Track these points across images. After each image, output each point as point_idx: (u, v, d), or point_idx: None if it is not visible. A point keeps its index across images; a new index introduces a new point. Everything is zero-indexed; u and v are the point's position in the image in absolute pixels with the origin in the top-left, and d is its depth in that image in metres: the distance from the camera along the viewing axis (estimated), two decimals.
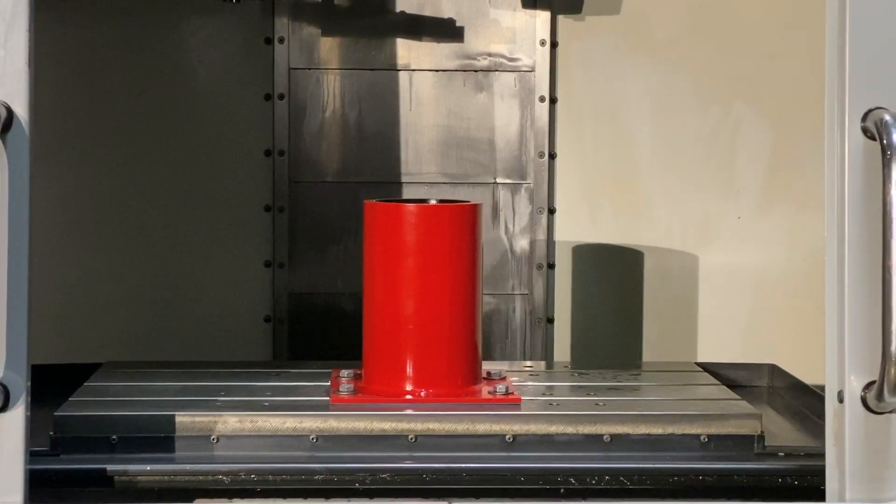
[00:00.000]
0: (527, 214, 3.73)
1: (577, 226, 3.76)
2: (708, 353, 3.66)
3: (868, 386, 2.42)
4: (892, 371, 2.35)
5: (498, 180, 3.74)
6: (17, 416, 2.37)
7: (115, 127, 3.68)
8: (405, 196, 3.68)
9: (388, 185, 3.70)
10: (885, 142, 2.36)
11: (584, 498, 2.62)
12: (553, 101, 3.73)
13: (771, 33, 3.70)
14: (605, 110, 3.74)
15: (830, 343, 2.45)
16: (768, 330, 3.75)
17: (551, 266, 3.75)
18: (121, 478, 2.58)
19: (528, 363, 3.50)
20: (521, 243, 3.74)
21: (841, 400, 2.44)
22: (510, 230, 3.73)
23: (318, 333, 3.69)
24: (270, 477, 2.61)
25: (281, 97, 3.69)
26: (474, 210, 2.94)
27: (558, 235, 3.75)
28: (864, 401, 2.43)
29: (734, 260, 3.75)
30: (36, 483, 2.40)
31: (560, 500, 2.62)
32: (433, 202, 3.06)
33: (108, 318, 3.69)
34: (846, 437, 2.43)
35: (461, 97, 3.72)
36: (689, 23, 3.72)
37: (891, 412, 2.42)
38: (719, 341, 3.74)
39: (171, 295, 3.70)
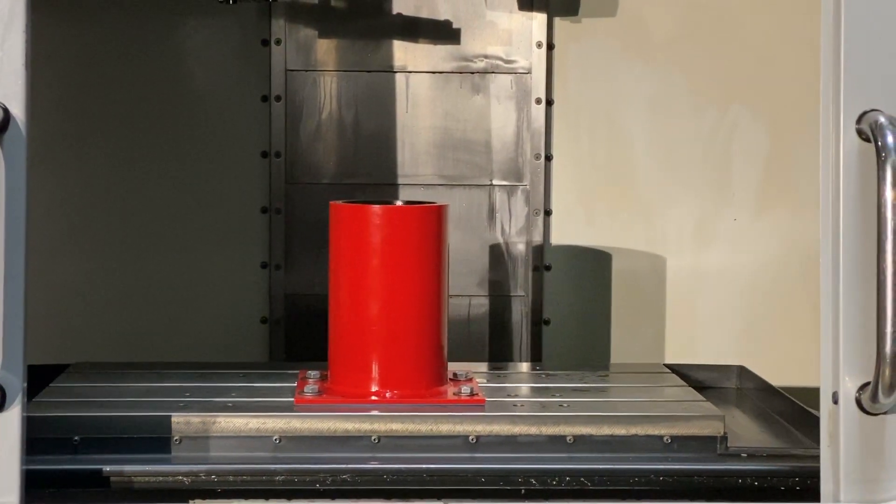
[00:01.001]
0: (523, 216, 3.74)
1: (573, 227, 3.76)
2: (703, 354, 3.67)
3: (863, 387, 2.43)
4: (887, 372, 2.36)
5: (494, 182, 3.74)
6: (13, 416, 2.37)
7: (111, 128, 3.69)
8: (402, 198, 3.68)
9: (385, 187, 3.70)
10: (879, 144, 2.37)
11: (546, 499, 2.62)
12: (549, 102, 3.74)
13: (767, 36, 3.71)
14: (601, 112, 3.75)
15: (825, 344, 2.46)
16: (764, 331, 3.76)
17: (548, 268, 3.76)
18: (82, 478, 2.58)
19: (501, 364, 3.50)
20: (518, 245, 3.74)
21: (836, 401, 2.45)
22: (506, 232, 3.74)
23: (314, 334, 3.69)
24: (231, 478, 2.61)
25: (277, 99, 3.70)
26: (440, 211, 2.94)
27: (554, 237, 3.76)
28: (858, 402, 2.43)
29: (730, 261, 3.76)
30: None
31: (521, 501, 2.62)
32: (399, 203, 3.05)
33: (104, 319, 3.69)
34: (841, 438, 2.44)
35: (458, 99, 3.73)
36: (685, 25, 3.73)
37: (885, 413, 2.43)
38: (715, 342, 3.74)
39: (167, 296, 3.70)
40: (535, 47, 3.72)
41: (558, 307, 3.75)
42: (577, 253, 3.76)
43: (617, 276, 3.76)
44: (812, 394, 3.07)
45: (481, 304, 3.73)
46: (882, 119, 2.38)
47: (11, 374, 2.37)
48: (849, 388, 2.43)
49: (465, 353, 3.67)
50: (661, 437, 2.73)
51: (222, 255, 3.72)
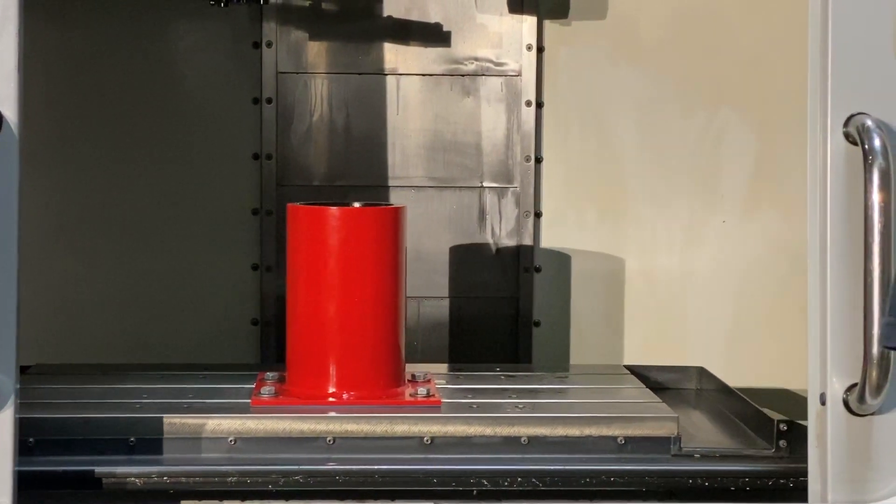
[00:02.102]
0: (513, 218, 3.75)
1: (563, 229, 3.78)
2: (691, 355, 3.68)
3: (850, 388, 2.45)
4: (874, 373, 2.38)
5: (484, 184, 3.75)
6: (5, 417, 2.38)
7: (103, 130, 3.69)
8: (392, 200, 3.69)
9: (375, 189, 3.71)
10: (866, 146, 2.39)
11: (498, 499, 2.63)
12: (539, 105, 3.75)
13: (755, 39, 3.72)
14: (590, 115, 3.77)
15: (813, 346, 2.47)
16: (752, 333, 3.77)
17: (537, 269, 3.77)
18: (35, 480, 2.57)
19: (463, 365, 3.50)
20: (508, 246, 3.75)
21: (823, 402, 2.46)
22: (496, 234, 3.75)
23: None
24: (184, 479, 2.61)
25: (269, 101, 3.71)
26: (396, 213, 2.94)
27: (544, 239, 3.77)
28: (846, 403, 2.45)
29: (718, 263, 3.77)
30: None
31: (473, 502, 2.63)
32: (357, 205, 3.05)
33: (95, 320, 3.69)
34: (828, 438, 2.45)
35: (448, 101, 3.74)
36: (674, 29, 3.74)
37: (872, 414, 2.45)
38: (703, 344, 3.76)
39: (158, 298, 3.71)
40: (525, 50, 3.73)
41: (548, 308, 3.76)
42: (566, 255, 3.77)
43: (606, 277, 3.78)
44: (800, 395, 3.10)
45: (471, 306, 3.74)
46: (869, 122, 2.40)
47: (3, 374, 2.37)
48: (836, 390, 2.45)
49: (454, 355, 3.69)
50: (614, 438, 2.74)
51: (213, 257, 3.73)
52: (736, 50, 3.73)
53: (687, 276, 3.78)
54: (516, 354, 3.74)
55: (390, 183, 3.73)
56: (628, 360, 3.54)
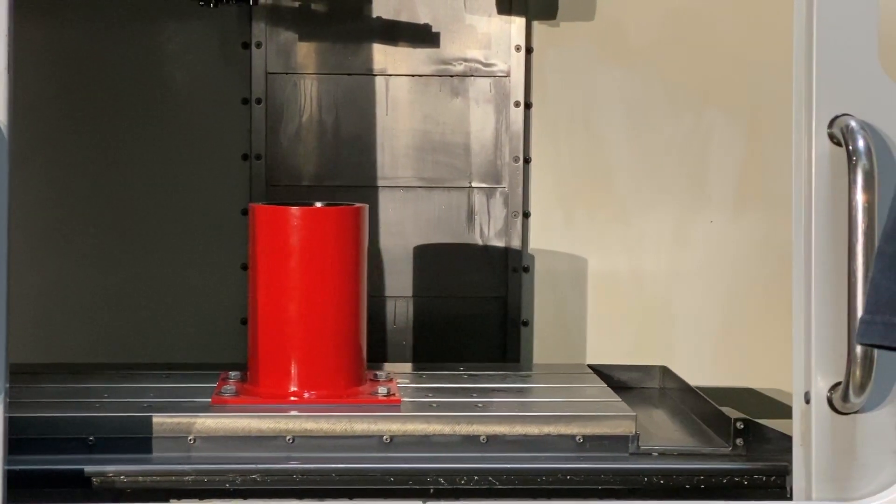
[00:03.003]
0: (502, 218, 3.76)
1: (551, 230, 3.79)
2: (679, 355, 3.70)
3: (834, 387, 2.46)
4: (858, 372, 2.39)
5: (473, 184, 3.77)
6: None
7: (92, 131, 3.70)
8: (380, 201, 3.71)
9: (365, 189, 3.72)
10: (850, 147, 2.40)
11: (456, 498, 2.63)
12: (528, 106, 3.76)
13: (743, 41, 3.74)
14: (579, 115, 3.78)
15: (797, 345, 2.49)
16: (740, 333, 3.78)
17: (526, 269, 3.78)
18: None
19: (425, 364, 3.50)
20: (496, 247, 3.77)
21: (808, 401, 2.48)
22: (485, 234, 3.76)
23: None
24: (141, 478, 2.61)
25: (258, 101, 3.72)
26: (357, 213, 2.95)
27: (533, 239, 3.78)
28: (830, 401, 2.47)
29: (706, 263, 3.79)
30: None
31: (430, 500, 2.63)
32: (319, 205, 3.06)
33: (84, 320, 3.70)
34: (812, 437, 2.47)
35: (437, 102, 3.75)
36: (662, 30, 3.76)
37: (856, 412, 2.47)
38: (691, 344, 3.77)
39: (148, 298, 3.72)
40: (513, 51, 3.75)
41: (536, 309, 3.78)
42: (555, 255, 3.79)
43: (594, 277, 3.79)
44: (788, 394, 3.11)
45: (460, 306, 3.75)
46: (853, 123, 2.42)
47: None
48: (820, 388, 2.47)
49: (442, 355, 3.70)
50: (573, 437, 2.75)
51: (203, 257, 3.73)
52: (724, 51, 3.74)
53: (675, 276, 3.79)
54: (504, 354, 3.76)
55: (379, 183, 3.74)
56: (616, 360, 3.55)
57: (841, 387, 2.43)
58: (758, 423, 2.77)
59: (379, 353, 3.67)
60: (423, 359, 3.68)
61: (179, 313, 3.72)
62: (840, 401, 2.44)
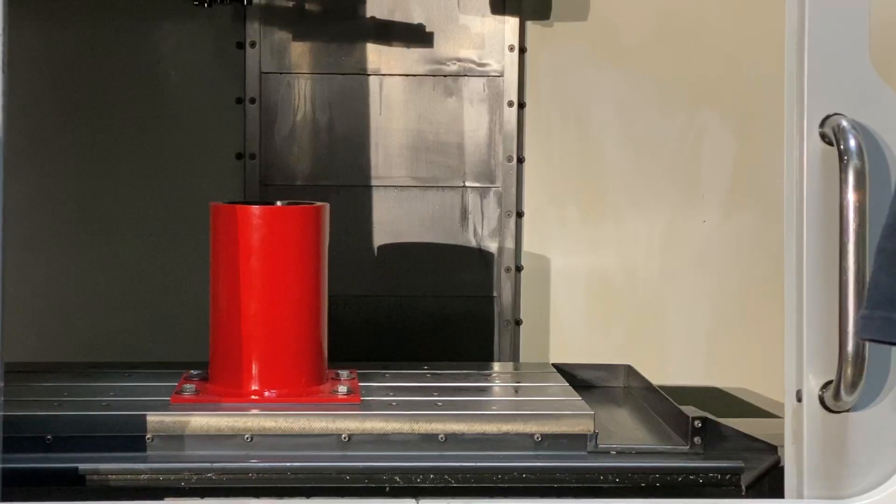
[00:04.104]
0: (495, 218, 3.77)
1: (544, 229, 3.80)
2: (672, 354, 3.71)
3: (825, 385, 2.47)
4: (849, 371, 2.40)
5: (467, 184, 3.77)
6: None
7: (86, 130, 3.70)
8: (374, 200, 3.71)
9: (358, 189, 3.73)
10: (842, 147, 2.41)
11: (413, 496, 2.62)
12: (521, 105, 3.77)
13: (735, 40, 3.75)
14: (572, 115, 3.79)
15: (789, 343, 2.50)
16: (732, 331, 3.79)
17: (519, 269, 3.79)
18: None
19: (396, 363, 3.47)
20: (490, 246, 3.77)
21: (799, 399, 2.49)
22: (479, 233, 3.77)
23: None
24: (96, 477, 2.60)
25: (252, 101, 3.72)
26: (317, 212, 2.94)
27: (526, 238, 3.79)
28: (821, 400, 2.48)
29: (699, 263, 3.80)
30: None
31: (386, 499, 2.63)
32: (279, 204, 3.05)
33: (79, 318, 3.70)
34: (804, 435, 2.48)
35: (431, 102, 3.76)
36: (655, 30, 3.77)
37: (847, 411, 2.48)
38: (684, 343, 3.78)
39: (142, 296, 3.72)
40: (507, 51, 3.75)
41: (529, 308, 3.79)
42: (548, 254, 3.80)
43: (588, 277, 3.80)
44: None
45: (454, 305, 3.76)
46: (844, 123, 2.43)
47: None
48: (812, 387, 2.48)
49: (435, 354, 3.71)
50: (531, 435, 2.74)
51: (197, 256, 3.73)
52: (716, 50, 3.76)
53: (668, 276, 3.80)
54: (498, 353, 3.77)
55: (373, 182, 3.75)
56: (608, 359, 3.56)
57: (832, 385, 2.44)
58: (716, 421, 2.77)
59: (370, 352, 3.68)
60: (416, 358, 3.69)
61: (172, 313, 3.72)
62: (832, 399, 2.45)
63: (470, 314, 3.77)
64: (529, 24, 3.77)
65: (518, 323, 3.79)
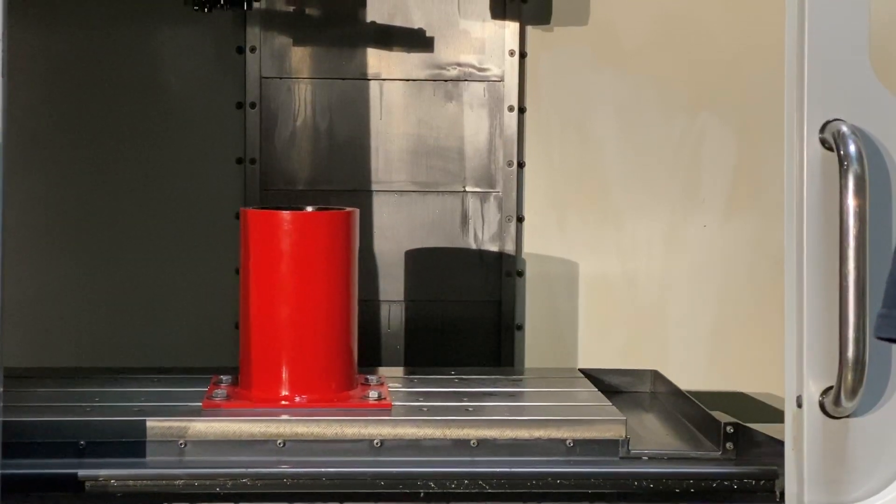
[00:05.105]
0: (496, 222, 3.77)
1: (545, 234, 3.80)
2: (672, 359, 3.70)
3: (826, 391, 2.47)
4: (849, 376, 2.40)
5: (467, 189, 3.77)
6: None
7: (87, 135, 3.70)
8: (375, 205, 3.71)
9: (359, 193, 3.73)
10: (842, 152, 2.41)
11: (447, 501, 2.64)
12: (522, 110, 3.77)
13: (735, 44, 3.75)
14: (572, 120, 3.79)
15: (789, 349, 2.50)
16: (733, 336, 3.79)
17: (520, 273, 3.79)
18: None
19: (417, 368, 3.50)
20: (490, 251, 3.77)
21: (800, 405, 2.49)
22: (479, 238, 3.77)
23: None
24: (131, 482, 2.61)
25: (252, 106, 3.72)
26: (348, 217, 2.95)
27: (527, 243, 3.79)
28: (822, 406, 2.48)
29: (699, 267, 3.80)
30: None
31: None
32: (309, 209, 3.06)
33: (78, 323, 3.70)
34: (805, 441, 2.48)
35: (431, 106, 3.76)
36: (655, 34, 3.77)
37: (848, 417, 2.47)
38: (684, 348, 3.78)
39: (142, 301, 3.72)
40: (507, 55, 3.75)
41: (530, 312, 3.78)
42: (548, 259, 3.79)
43: (588, 281, 3.80)
44: (779, 398, 3.12)
45: (454, 310, 3.76)
46: (844, 128, 2.43)
47: None
48: (812, 392, 2.48)
49: (437, 359, 3.71)
50: (563, 441, 2.75)
51: (197, 261, 3.74)
52: (716, 54, 3.75)
53: (668, 280, 3.80)
54: (499, 358, 3.76)
55: (373, 187, 3.74)
56: (609, 364, 3.56)
57: (833, 391, 2.44)
58: (748, 426, 2.77)
59: (372, 357, 3.68)
60: (417, 363, 3.69)
61: (173, 317, 3.72)
62: (832, 405, 2.45)
63: (470, 319, 3.77)
64: (530, 29, 3.77)
65: (518, 328, 3.78)
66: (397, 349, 3.72)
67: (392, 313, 3.74)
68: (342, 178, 3.75)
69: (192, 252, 3.73)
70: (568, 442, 2.75)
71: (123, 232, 3.72)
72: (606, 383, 3.35)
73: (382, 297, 3.74)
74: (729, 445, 2.77)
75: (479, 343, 3.77)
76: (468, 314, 3.77)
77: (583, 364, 3.74)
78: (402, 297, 3.74)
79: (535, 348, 3.79)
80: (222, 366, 3.20)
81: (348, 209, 2.98)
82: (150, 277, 3.72)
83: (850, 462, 2.47)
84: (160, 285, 3.72)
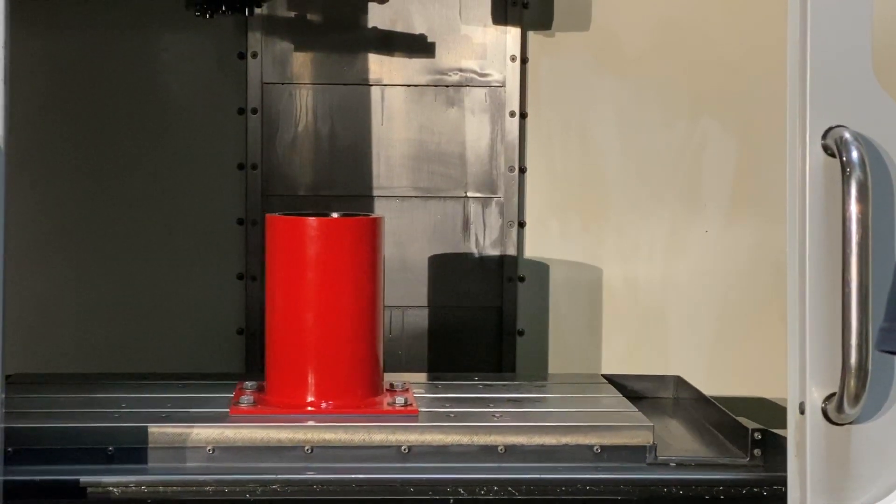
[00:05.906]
0: (497, 228, 3.77)
1: (546, 239, 3.80)
2: (674, 364, 3.70)
3: (829, 398, 2.47)
4: (852, 383, 2.40)
5: (469, 194, 3.77)
6: None
7: (88, 141, 3.71)
8: (376, 210, 3.71)
9: (360, 199, 3.73)
10: (844, 159, 2.41)
11: None
12: (523, 115, 3.77)
13: (737, 50, 3.75)
14: (574, 125, 3.79)
15: (792, 355, 2.49)
16: (734, 342, 3.79)
17: (521, 279, 3.79)
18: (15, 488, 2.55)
19: (442, 374, 3.50)
20: (492, 256, 3.77)
21: (802, 411, 2.49)
22: (481, 243, 3.77)
23: None
24: (161, 488, 2.62)
25: (254, 111, 3.72)
26: (374, 223, 2.95)
27: (528, 248, 3.79)
28: (824, 412, 2.48)
29: (701, 272, 3.80)
30: None
31: None
32: (335, 216, 3.06)
33: (81, 329, 3.70)
34: (807, 447, 2.48)
35: (432, 112, 3.76)
36: (656, 39, 3.77)
37: (851, 423, 2.47)
38: (686, 353, 3.78)
39: (144, 307, 3.72)
40: (508, 61, 3.76)
41: (531, 318, 3.78)
42: (550, 264, 3.79)
43: (589, 286, 3.80)
44: (781, 404, 3.11)
45: (455, 315, 3.76)
46: (847, 135, 2.43)
47: None
48: (815, 399, 2.47)
49: (438, 364, 3.71)
50: (591, 447, 2.75)
51: (199, 267, 3.74)
52: (717, 61, 3.76)
53: (669, 286, 3.80)
54: (500, 364, 3.76)
55: (375, 193, 3.75)
56: (611, 369, 3.56)
57: (836, 397, 2.44)
58: (775, 433, 2.75)
59: None
60: (418, 368, 3.69)
61: (176, 323, 3.72)
62: (835, 411, 2.45)
63: (472, 325, 3.77)
64: (531, 35, 3.77)
65: (520, 333, 3.78)
66: (399, 355, 3.72)
67: (393, 319, 3.74)
68: (344, 184, 3.75)
69: (193, 257, 3.73)
70: (595, 448, 2.75)
71: (125, 237, 3.72)
72: (629, 389, 3.34)
73: (384, 302, 3.73)
74: (756, 452, 2.76)
75: (481, 349, 3.77)
76: (469, 319, 3.77)
77: (584, 370, 3.74)
78: (403, 303, 3.74)
79: (536, 354, 3.79)
80: (235, 371, 3.19)
81: (374, 215, 2.99)
82: (152, 283, 3.72)
83: (853, 469, 2.47)
84: (162, 291, 3.72)
